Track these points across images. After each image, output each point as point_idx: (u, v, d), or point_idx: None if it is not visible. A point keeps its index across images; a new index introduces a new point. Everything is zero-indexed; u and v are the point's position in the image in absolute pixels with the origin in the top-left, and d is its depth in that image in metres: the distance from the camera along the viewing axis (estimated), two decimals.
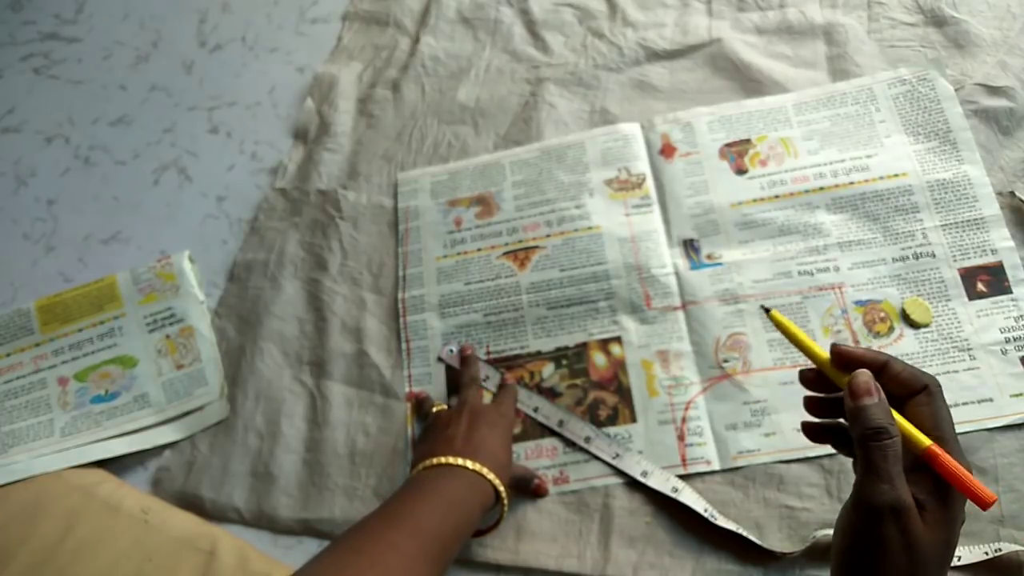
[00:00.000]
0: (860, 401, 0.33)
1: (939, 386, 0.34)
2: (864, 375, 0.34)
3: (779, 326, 0.39)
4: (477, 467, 0.47)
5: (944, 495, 0.32)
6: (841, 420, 0.37)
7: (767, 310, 0.40)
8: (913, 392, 0.34)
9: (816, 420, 0.39)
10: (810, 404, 0.39)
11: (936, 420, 0.33)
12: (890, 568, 0.31)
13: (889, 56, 0.65)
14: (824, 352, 0.37)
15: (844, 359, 0.35)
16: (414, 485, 0.46)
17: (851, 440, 0.34)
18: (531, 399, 0.57)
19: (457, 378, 0.58)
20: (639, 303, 0.59)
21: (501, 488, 0.47)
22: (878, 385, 0.34)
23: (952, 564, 0.45)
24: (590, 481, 0.54)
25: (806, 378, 0.38)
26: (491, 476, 0.47)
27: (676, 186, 0.63)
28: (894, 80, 0.63)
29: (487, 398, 0.57)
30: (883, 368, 0.35)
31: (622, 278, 0.60)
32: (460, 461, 0.47)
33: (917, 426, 0.33)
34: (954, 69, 0.63)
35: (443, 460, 0.47)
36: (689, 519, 0.50)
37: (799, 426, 0.39)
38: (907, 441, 0.33)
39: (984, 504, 0.31)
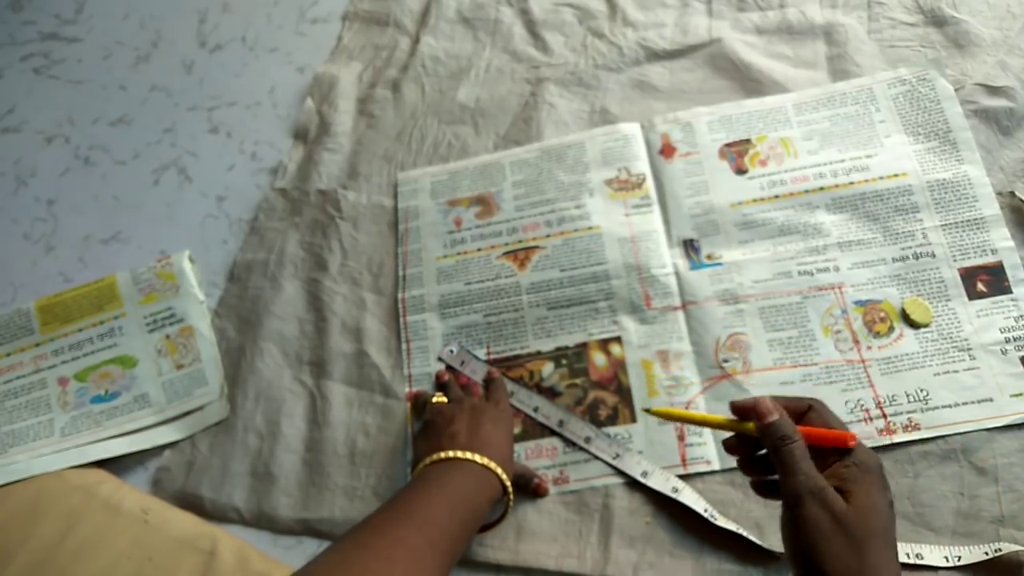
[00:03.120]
0: (766, 420, 0.39)
1: (820, 402, 0.41)
2: (765, 400, 0.40)
3: (668, 417, 0.48)
4: (485, 461, 0.47)
5: (853, 475, 0.37)
6: (773, 476, 0.42)
7: (648, 411, 0.48)
8: (802, 413, 0.41)
9: (758, 479, 0.44)
10: (745, 468, 0.44)
11: (827, 425, 0.40)
12: (827, 543, 0.35)
13: (889, 56, 0.65)
14: (722, 417, 0.43)
15: (741, 410, 0.42)
16: (420, 480, 0.46)
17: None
18: (531, 399, 0.57)
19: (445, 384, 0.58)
20: (639, 303, 0.59)
21: (507, 482, 0.48)
22: (777, 404, 0.40)
23: (952, 564, 0.46)
24: (590, 481, 0.54)
25: (730, 446, 0.44)
26: (499, 470, 0.47)
27: (676, 186, 0.63)
28: (894, 80, 0.63)
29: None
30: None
31: (622, 278, 0.60)
32: (468, 455, 0.47)
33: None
34: (954, 69, 0.63)
35: (450, 455, 0.47)
36: (689, 519, 0.51)
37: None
38: (815, 437, 0.39)
39: (845, 442, 0.38)
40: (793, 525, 0.37)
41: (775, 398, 0.41)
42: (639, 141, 0.66)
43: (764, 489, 0.44)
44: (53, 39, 0.86)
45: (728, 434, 0.44)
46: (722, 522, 0.49)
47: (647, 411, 0.48)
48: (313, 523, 0.55)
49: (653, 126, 0.66)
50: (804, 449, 0.38)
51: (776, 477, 0.40)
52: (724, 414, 0.53)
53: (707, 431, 0.53)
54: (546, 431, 0.56)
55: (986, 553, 0.46)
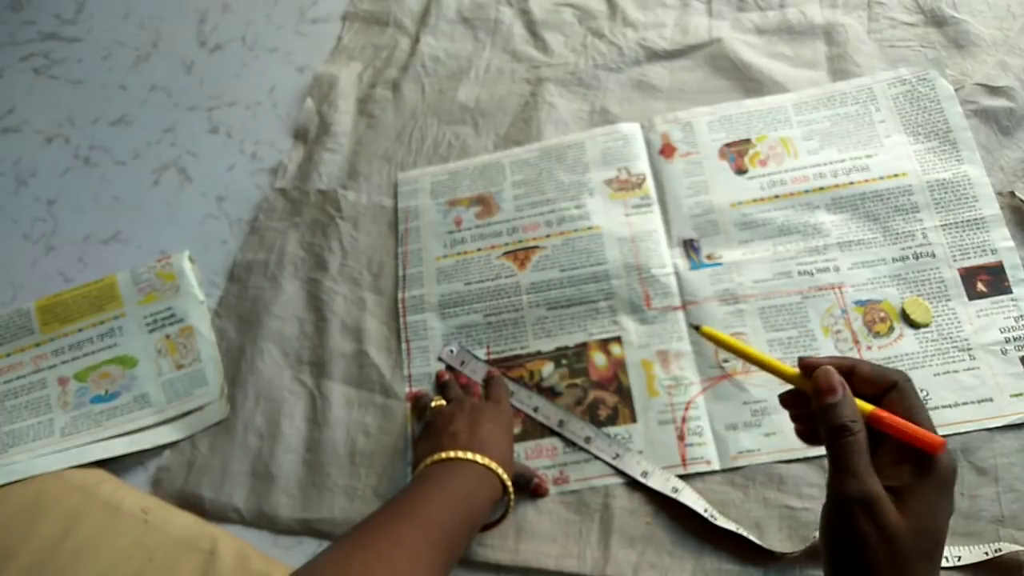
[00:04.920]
0: (824, 400, 0.34)
1: (908, 380, 0.35)
2: (826, 373, 0.34)
3: (742, 354, 0.39)
4: (486, 461, 0.47)
5: (921, 483, 0.32)
6: None
7: (697, 327, 0.40)
8: (884, 390, 0.35)
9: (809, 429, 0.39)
10: (796, 418, 0.39)
11: (910, 413, 0.33)
12: (871, 559, 0.31)
13: (889, 56, 0.65)
14: (791, 368, 0.37)
15: (812, 368, 0.36)
16: (421, 481, 0.46)
17: None
18: (531, 399, 0.57)
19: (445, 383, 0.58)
20: (639, 303, 0.59)
21: (508, 482, 0.48)
22: (843, 381, 0.34)
23: (952, 564, 0.46)
24: (590, 481, 0.53)
25: (786, 400, 0.39)
26: (499, 470, 0.47)
27: (676, 186, 0.63)
28: (894, 80, 0.63)
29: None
30: (851, 371, 0.35)
31: (622, 278, 0.60)
32: (469, 455, 0.47)
33: None
34: (954, 69, 0.63)
35: (451, 455, 0.47)
36: (689, 519, 0.50)
37: None
38: (897, 431, 0.33)
39: (934, 448, 0.32)
40: (835, 529, 0.33)
41: (859, 363, 0.35)
42: (639, 141, 0.66)
43: (812, 437, 0.38)
44: (53, 39, 0.86)
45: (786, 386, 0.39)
46: (722, 522, 0.49)
47: (696, 328, 0.40)
48: (313, 523, 0.55)
49: (653, 126, 0.66)
50: (864, 444, 0.32)
51: None
52: (724, 413, 0.54)
53: (707, 431, 0.53)
54: (546, 431, 0.56)
55: (986, 553, 0.46)
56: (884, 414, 0.33)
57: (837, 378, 0.34)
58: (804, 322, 0.56)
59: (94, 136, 0.78)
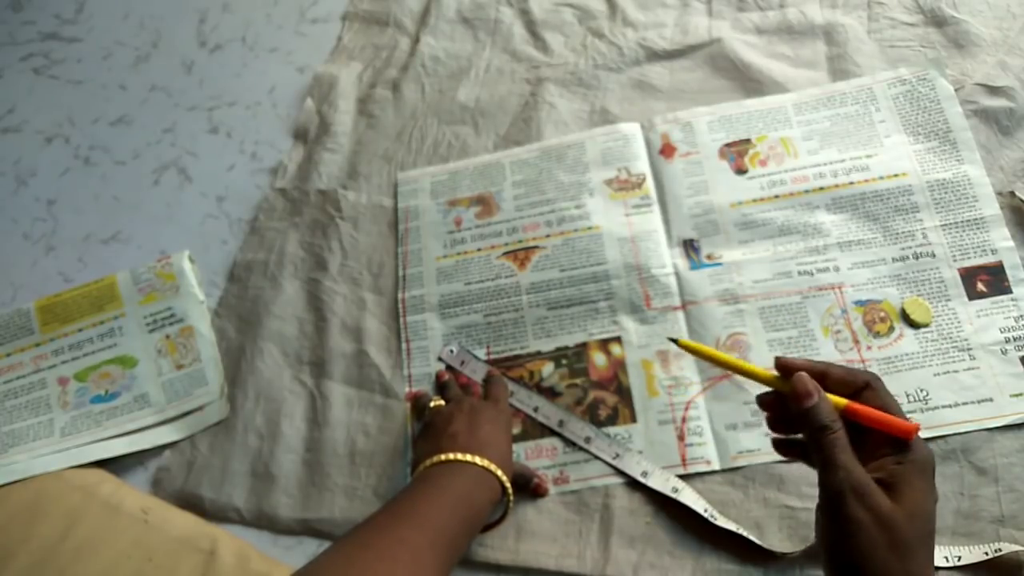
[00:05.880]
0: (803, 404, 0.36)
1: (878, 379, 0.37)
2: (801, 379, 0.36)
3: (698, 354, 0.41)
4: (485, 463, 0.47)
5: (904, 470, 0.34)
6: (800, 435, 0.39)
7: (675, 340, 0.42)
8: (857, 390, 0.37)
9: (782, 436, 0.41)
10: (773, 424, 0.41)
11: (884, 408, 0.36)
12: (868, 545, 0.32)
13: (889, 56, 0.65)
14: (769, 372, 0.39)
15: (788, 369, 0.38)
16: (421, 482, 0.46)
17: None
18: (531, 399, 0.57)
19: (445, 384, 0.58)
20: (639, 303, 0.59)
21: (507, 483, 0.48)
22: (817, 385, 0.36)
23: (952, 564, 0.46)
24: (590, 481, 0.54)
25: (764, 401, 0.40)
26: (499, 471, 0.47)
27: (676, 186, 0.63)
28: (894, 80, 0.63)
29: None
30: (824, 375, 0.37)
31: (622, 278, 0.60)
32: (468, 457, 0.47)
33: None
34: (954, 69, 0.63)
35: (450, 456, 0.47)
36: (689, 519, 0.50)
37: None
38: (871, 420, 0.35)
39: (908, 433, 0.34)
40: (832, 524, 0.34)
41: (830, 366, 0.37)
42: (639, 141, 0.66)
43: (786, 448, 0.41)
44: (53, 39, 0.86)
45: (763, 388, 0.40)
46: (722, 522, 0.49)
47: (673, 340, 0.43)
48: (313, 523, 0.55)
49: (653, 126, 0.66)
50: (845, 440, 0.35)
51: (802, 437, 0.37)
52: (724, 413, 0.54)
53: (707, 431, 0.53)
54: (546, 431, 0.56)
55: (986, 553, 0.46)
56: (858, 406, 0.35)
57: (812, 382, 0.36)
58: (804, 322, 0.56)
59: (94, 136, 0.78)
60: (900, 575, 0.32)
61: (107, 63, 0.83)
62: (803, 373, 0.36)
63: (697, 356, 0.43)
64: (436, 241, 0.65)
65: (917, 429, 0.34)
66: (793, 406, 0.36)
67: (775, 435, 0.42)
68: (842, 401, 0.36)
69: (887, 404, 0.36)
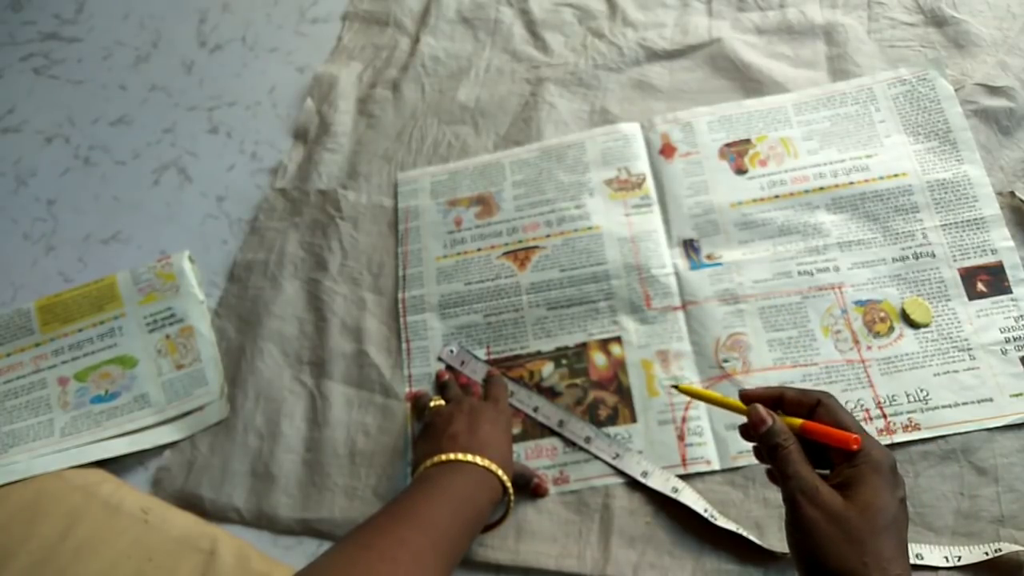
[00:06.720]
0: (759, 430, 0.40)
1: (830, 396, 0.40)
2: (754, 409, 0.40)
3: (693, 395, 0.47)
4: (486, 463, 0.47)
5: (858, 471, 0.37)
6: None
7: (676, 386, 0.48)
8: (811, 408, 0.40)
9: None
10: (760, 455, 0.43)
11: (837, 423, 0.39)
12: (824, 540, 0.35)
13: (889, 56, 0.65)
14: (739, 402, 0.43)
15: (750, 398, 0.42)
16: (422, 482, 0.46)
17: None
18: (531, 399, 0.57)
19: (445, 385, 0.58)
20: (639, 303, 0.59)
21: (508, 483, 0.48)
22: (770, 412, 0.40)
23: (952, 564, 0.46)
24: (590, 481, 0.54)
25: (745, 434, 0.43)
26: (499, 472, 0.47)
27: (676, 186, 0.63)
28: (894, 80, 0.63)
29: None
30: (781, 398, 0.41)
31: (622, 278, 0.60)
32: (469, 457, 0.47)
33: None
34: (954, 69, 0.63)
35: (450, 457, 0.47)
36: (689, 519, 0.50)
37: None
38: (820, 435, 0.39)
39: (848, 444, 0.37)
40: (792, 527, 0.37)
41: (785, 390, 0.41)
42: (639, 141, 0.66)
43: (777, 478, 0.44)
44: (53, 39, 0.86)
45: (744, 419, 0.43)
46: (722, 522, 0.49)
47: (674, 387, 0.48)
48: (313, 523, 0.55)
49: (653, 126, 0.66)
50: (798, 452, 0.38)
51: None
52: (725, 413, 0.54)
53: (707, 431, 0.53)
54: (546, 431, 0.56)
55: (986, 553, 0.46)
56: (810, 426, 0.39)
57: (764, 410, 0.40)
58: (804, 322, 0.56)
59: (94, 136, 0.78)
60: (858, 565, 0.34)
61: (107, 63, 0.83)
62: (756, 404, 0.40)
63: (696, 399, 0.49)
64: (436, 241, 0.65)
65: (857, 441, 0.37)
66: (752, 432, 0.40)
67: (766, 465, 0.44)
68: (797, 421, 0.40)
69: (839, 418, 0.39)
